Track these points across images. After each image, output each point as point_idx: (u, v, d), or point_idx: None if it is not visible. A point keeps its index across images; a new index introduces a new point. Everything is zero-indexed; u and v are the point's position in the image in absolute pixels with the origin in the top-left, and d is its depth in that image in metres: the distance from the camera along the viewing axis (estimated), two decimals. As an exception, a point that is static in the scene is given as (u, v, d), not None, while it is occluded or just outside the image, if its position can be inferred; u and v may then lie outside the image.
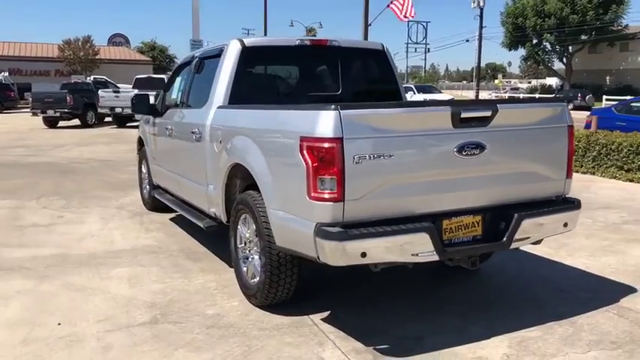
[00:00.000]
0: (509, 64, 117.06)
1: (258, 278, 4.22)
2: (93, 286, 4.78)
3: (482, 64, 72.32)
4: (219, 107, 4.86)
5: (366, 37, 23.38)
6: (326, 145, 3.28)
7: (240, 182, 4.68)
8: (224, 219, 4.83)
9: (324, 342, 3.73)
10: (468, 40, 68.68)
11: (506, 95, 55.14)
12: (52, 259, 5.50)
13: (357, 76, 5.51)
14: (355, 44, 5.60)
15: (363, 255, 3.33)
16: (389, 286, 4.75)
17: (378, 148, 3.37)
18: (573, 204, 4.10)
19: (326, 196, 3.33)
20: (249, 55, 4.94)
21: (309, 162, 3.36)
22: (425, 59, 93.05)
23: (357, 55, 5.53)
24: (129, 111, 16.44)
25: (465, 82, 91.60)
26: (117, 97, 21.57)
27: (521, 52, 55.15)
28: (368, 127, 3.36)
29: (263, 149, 3.93)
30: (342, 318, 4.09)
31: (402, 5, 22.31)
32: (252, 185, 4.39)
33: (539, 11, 49.55)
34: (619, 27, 49.65)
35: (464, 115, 3.55)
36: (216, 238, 5.92)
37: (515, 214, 3.77)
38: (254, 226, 4.25)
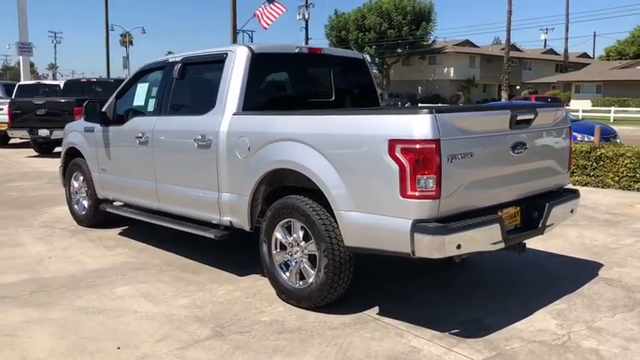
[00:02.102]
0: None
1: (309, 280, 4.28)
2: (110, 307, 4.43)
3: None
4: (236, 114, 4.80)
5: (235, 42, 23.31)
6: (426, 146, 3.53)
7: (265, 188, 4.69)
8: (247, 227, 4.77)
9: (402, 333, 3.94)
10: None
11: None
12: (28, 285, 4.94)
13: (345, 82, 5.75)
14: (342, 53, 5.87)
15: (458, 247, 3.63)
16: (407, 280, 5.08)
17: (463, 148, 3.70)
18: (575, 193, 4.81)
19: (424, 194, 3.57)
20: (257, 62, 4.94)
21: (405, 163, 3.57)
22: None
23: (345, 64, 5.78)
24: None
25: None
26: None
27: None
28: (456, 129, 3.67)
29: (328, 154, 4.01)
30: (394, 311, 4.31)
31: (265, 14, 22.64)
32: (290, 190, 4.47)
33: (360, 25, 53.15)
34: (428, 42, 55.11)
35: (519, 117, 4.04)
36: (190, 248, 5.87)
37: (547, 203, 4.34)
38: (302, 231, 4.32)
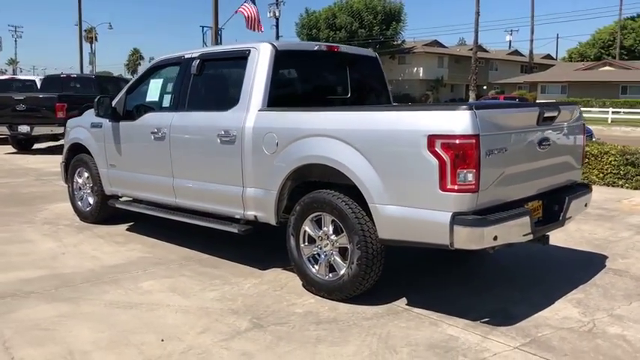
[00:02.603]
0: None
1: (340, 272, 4.38)
2: (141, 302, 4.46)
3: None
4: (261, 110, 4.86)
5: (217, 42, 23.21)
6: (466, 141, 3.67)
7: (291, 184, 4.77)
8: (274, 221, 4.85)
9: (436, 322, 4.08)
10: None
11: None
12: (50, 281, 4.92)
13: (360, 80, 5.86)
14: (356, 51, 5.98)
15: (495, 238, 3.79)
16: (427, 274, 5.23)
17: (499, 143, 3.86)
18: (588, 187, 5.02)
19: (463, 187, 3.71)
20: (280, 59, 5.01)
21: (445, 157, 3.71)
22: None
23: (359, 61, 5.89)
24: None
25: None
26: None
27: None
28: (493, 125, 3.83)
29: (363, 150, 4.11)
30: (422, 302, 4.44)
31: (251, 17, 22.55)
32: (314, 185, 4.56)
33: (331, 24, 53.38)
34: (398, 42, 55.69)
35: (546, 114, 4.22)
36: (203, 243, 5.93)
37: (567, 197, 4.54)
38: (332, 225, 4.42)
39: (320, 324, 4.05)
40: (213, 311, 4.28)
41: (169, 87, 5.92)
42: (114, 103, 6.25)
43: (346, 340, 3.79)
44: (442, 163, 3.72)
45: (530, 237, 4.13)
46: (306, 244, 4.65)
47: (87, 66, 62.67)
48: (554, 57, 79.90)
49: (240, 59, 5.13)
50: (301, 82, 5.47)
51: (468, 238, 3.74)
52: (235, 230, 5.06)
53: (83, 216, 7.08)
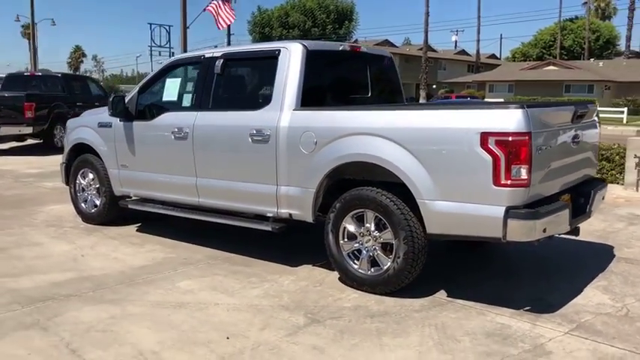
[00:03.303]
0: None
1: (384, 267, 4.50)
2: (187, 301, 4.46)
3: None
4: (296, 109, 4.93)
5: (185, 40, 22.81)
6: (519, 138, 3.86)
7: (327, 181, 4.86)
8: (311, 219, 4.93)
9: (483, 312, 4.26)
10: (216, 46, 69.88)
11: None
12: (82, 283, 4.85)
13: (379, 79, 5.99)
14: (375, 51, 6.12)
15: (544, 230, 4.00)
16: (452, 267, 5.42)
17: (546, 139, 4.08)
18: (604, 182, 5.33)
19: (517, 182, 3.90)
20: (310, 59, 5.09)
21: (499, 154, 3.89)
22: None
23: (378, 61, 6.03)
24: None
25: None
26: None
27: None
28: (541, 123, 4.04)
29: (411, 147, 4.25)
30: (460, 294, 4.60)
31: (219, 13, 22.29)
32: (352, 182, 4.67)
33: (283, 22, 53.33)
34: (351, 41, 56.13)
35: (579, 112, 4.47)
36: (223, 242, 5.95)
37: (592, 190, 4.81)
38: (374, 221, 4.54)
39: (374, 317, 4.17)
40: (263, 308, 4.33)
41: (189, 86, 5.90)
42: (126, 102, 6.17)
43: (406, 332, 3.92)
44: (496, 160, 3.90)
45: (568, 229, 4.37)
46: (346, 240, 4.75)
47: (26, 63, 60.38)
48: (499, 57, 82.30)
49: (269, 59, 5.18)
50: (328, 82, 5.55)
51: (520, 231, 3.94)
52: (269, 228, 5.11)
53: (87, 217, 6.95)
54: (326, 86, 5.48)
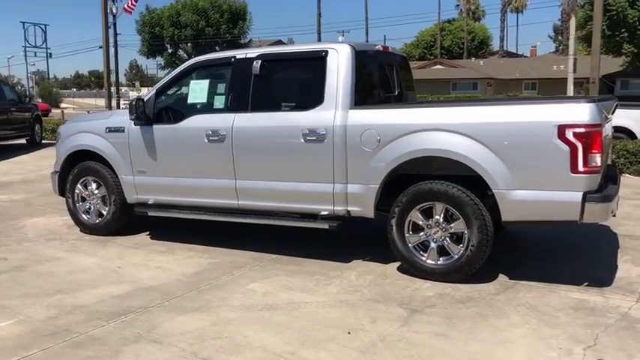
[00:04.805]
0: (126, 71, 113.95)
1: (455, 256, 4.76)
2: (273, 303, 4.44)
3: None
4: (353, 108, 5.05)
5: (107, 37, 21.54)
6: (594, 129, 4.27)
7: (387, 178, 5.02)
8: (372, 214, 5.07)
9: (554, 290, 4.61)
10: (101, 47, 66.48)
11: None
12: (147, 294, 4.66)
13: (401, 78, 6.22)
14: (396, 52, 6.34)
15: (612, 212, 4.46)
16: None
17: (605, 130, 4.53)
18: (617, 169, 5.93)
19: (592, 169, 4.31)
20: (358, 59, 5.24)
21: (577, 144, 4.27)
22: (47, 65, 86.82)
23: (400, 61, 6.26)
24: None
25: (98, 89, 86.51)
26: None
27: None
28: (603, 115, 4.48)
29: (485, 140, 4.52)
30: (519, 276, 4.93)
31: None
32: (413, 177, 4.90)
33: (175, 22, 51.88)
34: (245, 41, 55.89)
35: (614, 105, 5.00)
36: (256, 243, 5.95)
37: (616, 176, 5.36)
38: (443, 214, 4.79)
39: (464, 302, 4.41)
40: (356, 303, 4.42)
41: (220, 88, 5.80)
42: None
43: (505, 313, 4.19)
44: (574, 149, 4.28)
45: (617, 210, 4.87)
46: (411, 233, 4.95)
47: None
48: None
49: (316, 60, 5.25)
50: (371, 81, 5.70)
51: (596, 214, 4.36)
52: (326, 226, 5.18)
53: (92, 228, 6.56)
54: (370, 85, 5.63)
